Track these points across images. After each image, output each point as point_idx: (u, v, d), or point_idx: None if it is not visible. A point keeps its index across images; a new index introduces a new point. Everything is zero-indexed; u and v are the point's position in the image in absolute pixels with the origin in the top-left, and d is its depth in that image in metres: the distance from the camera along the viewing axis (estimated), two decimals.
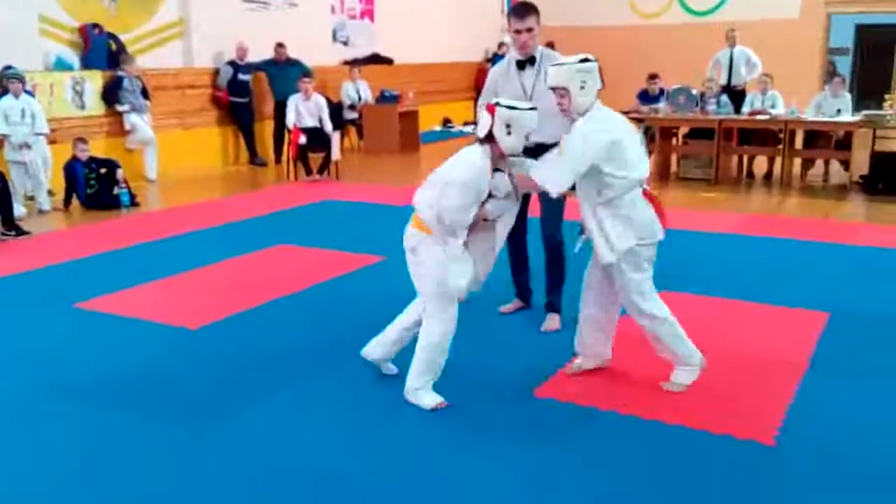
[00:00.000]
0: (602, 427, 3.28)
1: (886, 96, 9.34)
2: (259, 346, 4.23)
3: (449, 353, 3.47)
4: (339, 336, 4.33)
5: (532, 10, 4.11)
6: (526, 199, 4.25)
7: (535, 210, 4.39)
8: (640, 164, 3.42)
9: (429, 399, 3.43)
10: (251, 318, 4.66)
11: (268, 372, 3.87)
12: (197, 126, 10.62)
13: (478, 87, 16.32)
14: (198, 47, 10.50)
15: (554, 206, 4.22)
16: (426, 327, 3.44)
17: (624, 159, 3.36)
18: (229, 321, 4.60)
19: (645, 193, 3.47)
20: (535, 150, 3.90)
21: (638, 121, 9.80)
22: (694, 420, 3.29)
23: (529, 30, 4.09)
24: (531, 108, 3.40)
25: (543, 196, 4.04)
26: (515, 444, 3.14)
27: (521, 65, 4.23)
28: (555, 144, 4.18)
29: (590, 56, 3.43)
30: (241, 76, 10.70)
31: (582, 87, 3.36)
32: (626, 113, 10.28)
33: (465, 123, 15.80)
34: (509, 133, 3.32)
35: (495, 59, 16.26)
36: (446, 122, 15.47)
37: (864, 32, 16.00)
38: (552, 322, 4.44)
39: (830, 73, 12.92)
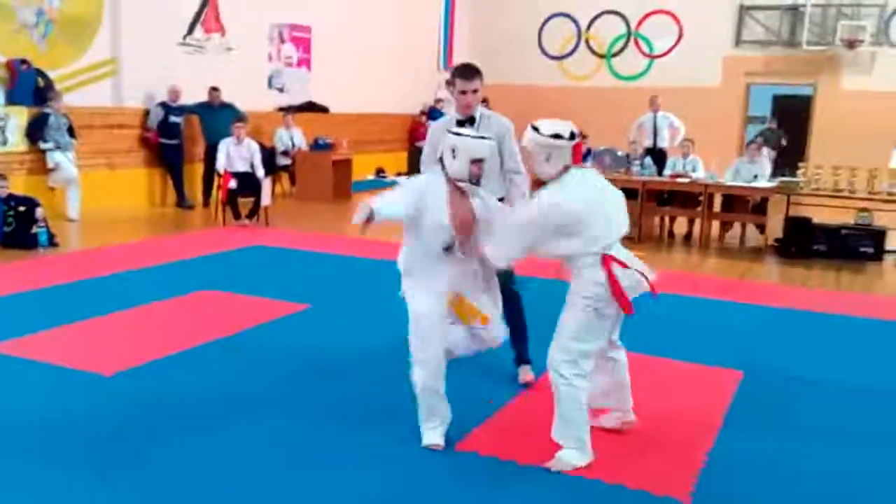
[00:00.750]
0: (520, 482, 3.28)
1: (800, 164, 9.81)
2: (175, 393, 4.11)
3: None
4: (259, 384, 4.27)
5: (477, 72, 4.16)
6: None
7: None
8: (604, 234, 3.33)
9: (426, 437, 3.56)
10: (170, 365, 4.53)
11: (181, 419, 3.77)
12: (124, 166, 10.41)
13: (412, 140, 16.52)
14: (129, 87, 10.36)
15: None
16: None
17: (578, 232, 3.29)
18: (147, 368, 4.47)
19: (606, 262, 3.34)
20: None
21: None
22: (612, 475, 3.33)
23: (475, 91, 4.14)
24: (480, 137, 3.52)
25: None
26: (433, 500, 3.12)
27: (460, 123, 4.24)
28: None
29: (563, 133, 3.35)
30: (173, 118, 10.58)
31: (547, 160, 3.36)
32: None
33: (398, 174, 15.90)
34: (454, 157, 3.46)
35: (431, 112, 16.54)
36: (379, 171, 15.55)
37: (781, 102, 16.87)
38: (525, 374, 4.41)
39: (774, 143, 13.51)
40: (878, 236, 8.84)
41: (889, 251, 8.80)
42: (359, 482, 3.23)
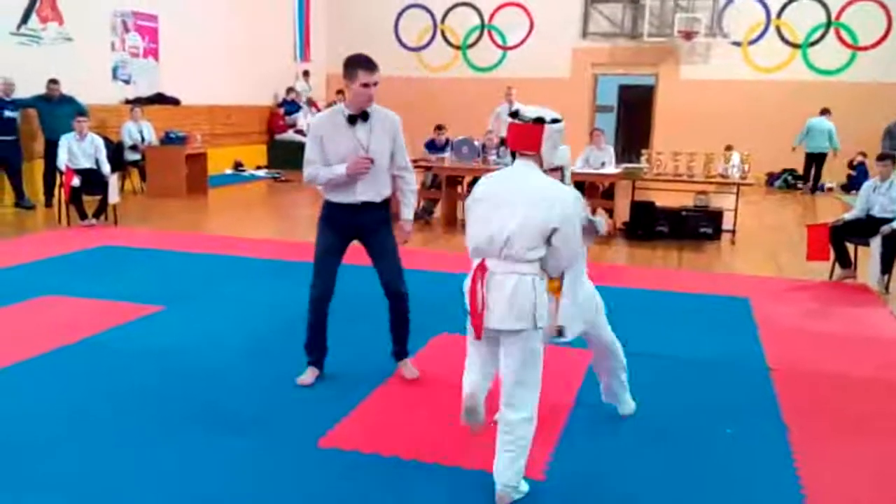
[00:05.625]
0: (382, 473, 3.32)
1: (643, 151, 10.36)
2: (17, 406, 3.88)
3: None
4: (109, 392, 4.10)
5: (376, 65, 4.00)
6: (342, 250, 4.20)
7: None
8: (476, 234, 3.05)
9: None
10: (9, 377, 4.27)
11: (25, 434, 3.56)
12: None
13: (270, 131, 16.19)
14: None
15: (395, 255, 4.21)
16: None
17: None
18: None
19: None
20: (361, 208, 3.99)
21: (426, 168, 10.18)
22: (470, 461, 3.41)
23: (376, 84, 3.97)
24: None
25: (382, 244, 4.14)
26: (294, 499, 3.12)
27: (352, 119, 4.04)
28: (383, 202, 4.16)
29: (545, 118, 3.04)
30: (7, 113, 9.90)
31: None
32: (414, 162, 10.63)
33: (258, 167, 15.57)
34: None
35: (284, 104, 16.26)
36: (238, 165, 15.17)
37: (626, 92, 17.69)
38: (411, 369, 4.40)
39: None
40: (715, 217, 9.48)
41: (725, 230, 9.46)
42: (224, 487, 3.18)
